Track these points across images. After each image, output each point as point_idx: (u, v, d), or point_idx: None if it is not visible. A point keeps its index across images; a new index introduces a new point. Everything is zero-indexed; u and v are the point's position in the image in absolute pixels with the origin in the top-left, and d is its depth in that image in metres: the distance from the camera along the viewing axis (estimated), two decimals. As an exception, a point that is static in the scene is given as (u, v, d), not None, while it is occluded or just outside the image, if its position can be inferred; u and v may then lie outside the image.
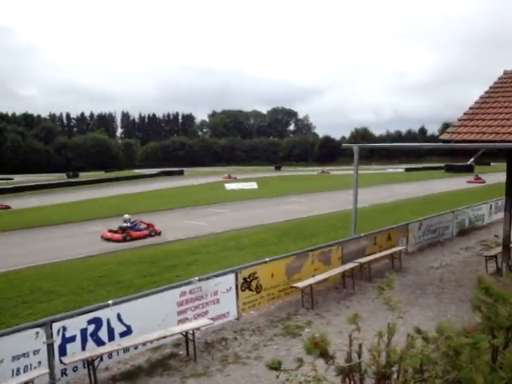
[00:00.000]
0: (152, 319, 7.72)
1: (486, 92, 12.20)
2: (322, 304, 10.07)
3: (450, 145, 11.31)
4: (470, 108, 11.68)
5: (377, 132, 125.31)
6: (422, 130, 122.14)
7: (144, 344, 7.50)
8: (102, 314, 7.27)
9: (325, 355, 2.92)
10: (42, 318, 7.22)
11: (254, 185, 45.84)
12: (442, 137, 11.23)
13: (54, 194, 46.10)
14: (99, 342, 7.18)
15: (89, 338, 7.08)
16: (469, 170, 58.29)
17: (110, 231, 20.43)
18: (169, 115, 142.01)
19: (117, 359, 7.44)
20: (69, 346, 6.84)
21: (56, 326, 6.71)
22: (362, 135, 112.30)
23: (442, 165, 71.62)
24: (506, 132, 10.26)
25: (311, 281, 10.21)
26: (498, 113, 11.10)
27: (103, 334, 7.25)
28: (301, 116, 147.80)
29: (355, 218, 12.83)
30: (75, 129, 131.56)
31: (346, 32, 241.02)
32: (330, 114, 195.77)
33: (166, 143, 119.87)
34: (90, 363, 6.74)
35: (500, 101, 11.56)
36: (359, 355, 3.17)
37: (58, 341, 6.72)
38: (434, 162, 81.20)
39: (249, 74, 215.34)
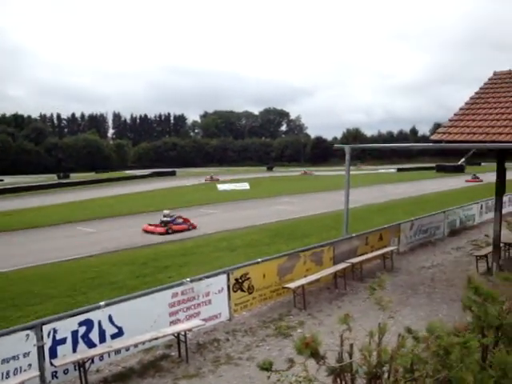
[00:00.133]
0: (144, 320, 7.68)
1: (477, 93, 12.30)
2: (314, 304, 10.09)
3: (441, 145, 11.38)
4: (461, 109, 11.76)
5: (368, 132, 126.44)
6: (414, 131, 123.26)
7: (136, 345, 7.46)
8: (93, 315, 7.21)
9: (316, 355, 2.93)
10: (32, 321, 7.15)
11: (246, 185, 45.83)
12: (432, 137, 11.29)
13: (46, 194, 45.66)
14: (90, 344, 7.12)
15: (80, 340, 7.01)
16: (459, 170, 58.74)
17: (151, 225, 22.04)
18: (160, 116, 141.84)
19: (108, 361, 7.39)
20: (59, 349, 6.78)
21: (46, 328, 6.64)
22: (353, 136, 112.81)
23: (433, 165, 72.01)
24: (496, 132, 10.34)
25: (303, 281, 10.22)
26: (488, 113, 11.18)
27: (94, 335, 7.19)
28: (293, 116, 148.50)
29: (347, 218, 12.90)
30: (66, 129, 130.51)
31: (338, 33, 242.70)
32: (322, 115, 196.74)
33: (158, 144, 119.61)
34: (80, 365, 6.69)
35: (490, 101, 11.65)
36: (350, 355, 3.17)
37: (48, 343, 6.65)
38: (425, 163, 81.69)
39: (241, 74, 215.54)
